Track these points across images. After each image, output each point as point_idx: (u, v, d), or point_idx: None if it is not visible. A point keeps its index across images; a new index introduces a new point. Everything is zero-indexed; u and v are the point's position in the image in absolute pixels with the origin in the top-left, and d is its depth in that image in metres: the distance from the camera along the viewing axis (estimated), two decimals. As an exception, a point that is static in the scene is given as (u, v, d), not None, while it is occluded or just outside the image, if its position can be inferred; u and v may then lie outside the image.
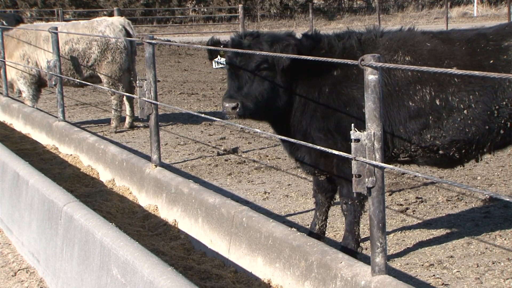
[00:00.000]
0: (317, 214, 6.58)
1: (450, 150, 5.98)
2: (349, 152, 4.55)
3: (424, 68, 4.70)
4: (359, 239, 6.14)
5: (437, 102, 5.88)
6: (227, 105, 5.82)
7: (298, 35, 6.36)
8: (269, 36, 6.01)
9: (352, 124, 4.52)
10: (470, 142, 5.95)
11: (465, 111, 5.87)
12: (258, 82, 5.89)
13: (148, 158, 8.01)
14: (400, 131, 5.93)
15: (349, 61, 4.87)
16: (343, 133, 5.87)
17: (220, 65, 6.39)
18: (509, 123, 5.93)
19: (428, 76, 5.87)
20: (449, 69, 4.33)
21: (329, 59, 5.32)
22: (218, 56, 6.35)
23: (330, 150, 4.99)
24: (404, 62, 5.95)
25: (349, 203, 6.02)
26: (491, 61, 5.92)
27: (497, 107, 5.88)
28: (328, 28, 35.17)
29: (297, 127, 6.09)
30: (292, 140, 5.65)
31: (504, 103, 5.88)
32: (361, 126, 5.77)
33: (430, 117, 5.89)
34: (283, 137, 5.87)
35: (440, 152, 5.99)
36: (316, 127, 6.00)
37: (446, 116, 5.88)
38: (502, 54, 5.94)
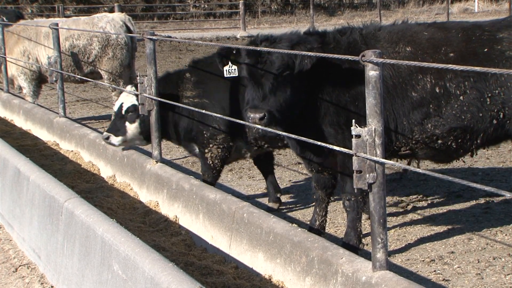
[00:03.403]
0: (317, 210, 6.59)
1: (448, 139, 6.03)
2: None
3: (425, 64, 4.70)
4: (361, 235, 6.14)
5: (437, 90, 5.96)
6: (252, 115, 5.68)
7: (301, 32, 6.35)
8: (287, 40, 5.88)
9: (353, 120, 4.52)
10: (465, 130, 6.01)
11: (461, 97, 5.95)
12: (281, 89, 5.77)
13: (149, 154, 8.01)
14: (404, 123, 5.97)
15: (349, 57, 4.87)
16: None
17: (232, 74, 6.29)
18: (501, 113, 5.98)
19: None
20: (451, 65, 4.32)
21: (330, 55, 5.31)
22: (229, 64, 6.27)
23: (331, 146, 4.99)
24: (406, 52, 6.01)
25: (352, 199, 6.03)
26: (486, 50, 6.01)
27: (489, 94, 5.96)
28: (329, 24, 35.14)
29: (312, 125, 6.05)
30: (294, 136, 5.63)
31: (496, 91, 5.96)
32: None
33: (431, 106, 5.95)
34: (284, 133, 5.86)
35: (439, 141, 6.03)
36: (328, 122, 6.00)
37: (445, 103, 5.95)
38: (496, 44, 6.02)
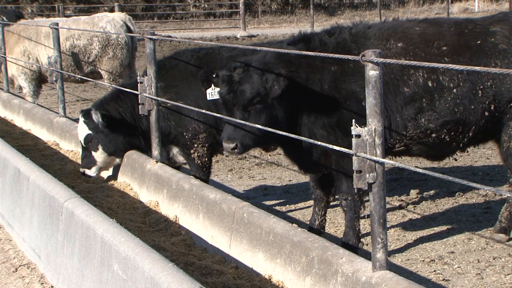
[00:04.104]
0: (316, 209, 6.59)
1: (442, 132, 6.05)
2: (349, 147, 4.55)
3: (426, 64, 4.70)
4: (360, 235, 6.14)
5: (430, 84, 5.96)
6: (226, 145, 5.85)
7: (288, 38, 6.36)
8: (259, 65, 5.85)
9: (353, 120, 4.52)
10: (458, 123, 6.03)
11: (454, 90, 5.98)
12: (253, 117, 5.80)
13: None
14: (397, 120, 5.97)
15: (350, 57, 4.87)
16: (344, 128, 5.88)
17: (215, 96, 6.36)
18: (492, 105, 6.02)
19: (420, 58, 5.93)
20: (451, 65, 4.32)
21: (331, 55, 5.30)
22: (212, 86, 6.30)
23: (332, 146, 4.98)
24: (397, 48, 6.01)
25: (349, 199, 6.03)
26: (478, 42, 6.05)
27: (481, 87, 5.99)
28: (329, 24, 35.11)
29: (305, 129, 6.04)
30: (293, 136, 5.63)
31: (488, 83, 6.00)
32: (361, 121, 5.81)
33: (424, 100, 5.96)
34: (284, 133, 5.86)
35: (433, 135, 6.05)
36: (319, 125, 6.00)
37: (438, 97, 5.97)
38: (489, 37, 6.08)
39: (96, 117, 7.51)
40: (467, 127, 6.06)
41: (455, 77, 5.95)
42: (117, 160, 7.90)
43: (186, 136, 7.36)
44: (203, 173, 7.43)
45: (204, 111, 6.82)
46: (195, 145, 7.34)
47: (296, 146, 6.06)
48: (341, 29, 6.21)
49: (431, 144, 6.12)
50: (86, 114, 7.67)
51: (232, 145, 5.81)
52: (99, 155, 7.73)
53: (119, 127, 7.63)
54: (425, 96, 5.95)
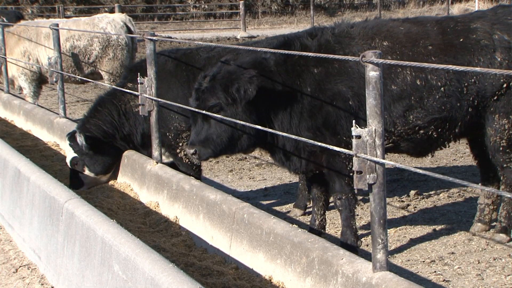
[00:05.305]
0: (315, 209, 6.59)
1: (429, 129, 6.09)
2: (337, 147, 4.57)
3: (425, 65, 4.70)
4: (357, 232, 6.14)
5: (418, 82, 5.99)
6: (187, 150, 6.01)
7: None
8: (224, 77, 5.87)
9: (353, 121, 4.52)
10: (445, 120, 6.08)
11: (442, 89, 6.00)
12: (214, 126, 5.85)
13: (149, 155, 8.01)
14: (385, 117, 5.97)
15: (350, 58, 4.87)
16: (331, 128, 5.90)
17: None
18: (476, 100, 6.09)
19: (407, 58, 5.95)
20: (448, 65, 4.33)
21: (331, 55, 5.30)
22: None
23: (331, 147, 4.98)
24: (383, 47, 6.04)
25: (343, 198, 6.02)
26: (461, 40, 6.12)
27: (466, 84, 6.06)
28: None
29: (290, 133, 6.02)
30: (293, 136, 5.63)
31: (472, 80, 6.07)
32: (349, 119, 5.82)
33: (412, 98, 5.99)
34: (281, 133, 5.86)
35: (421, 131, 6.08)
36: (304, 127, 5.98)
37: (427, 95, 6.01)
38: (471, 34, 6.16)
39: (80, 139, 7.60)
40: (453, 123, 6.12)
41: (442, 76, 6.00)
42: (104, 178, 7.97)
43: (170, 136, 7.37)
44: (194, 172, 7.44)
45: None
46: (180, 144, 7.36)
47: (278, 150, 6.09)
48: (323, 30, 6.18)
49: (418, 140, 6.14)
50: (72, 137, 7.77)
51: (192, 151, 5.95)
52: (85, 177, 7.85)
53: (104, 145, 7.71)
54: (414, 94, 5.99)
